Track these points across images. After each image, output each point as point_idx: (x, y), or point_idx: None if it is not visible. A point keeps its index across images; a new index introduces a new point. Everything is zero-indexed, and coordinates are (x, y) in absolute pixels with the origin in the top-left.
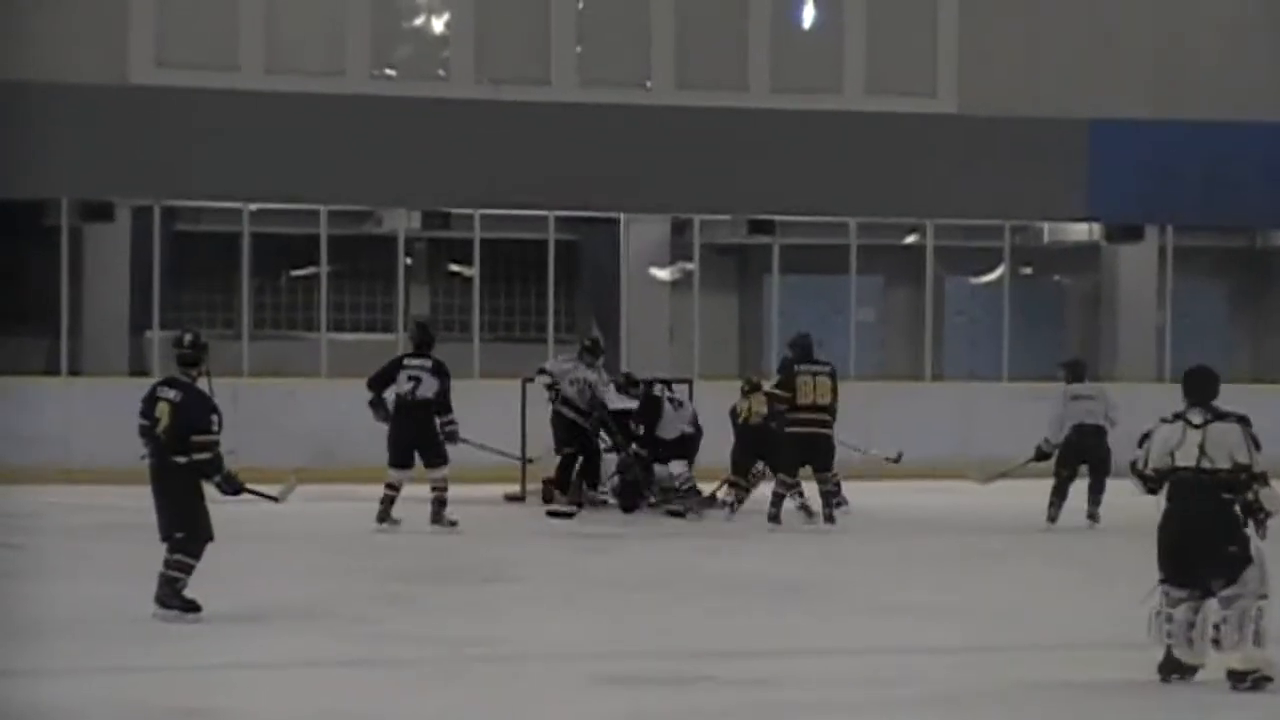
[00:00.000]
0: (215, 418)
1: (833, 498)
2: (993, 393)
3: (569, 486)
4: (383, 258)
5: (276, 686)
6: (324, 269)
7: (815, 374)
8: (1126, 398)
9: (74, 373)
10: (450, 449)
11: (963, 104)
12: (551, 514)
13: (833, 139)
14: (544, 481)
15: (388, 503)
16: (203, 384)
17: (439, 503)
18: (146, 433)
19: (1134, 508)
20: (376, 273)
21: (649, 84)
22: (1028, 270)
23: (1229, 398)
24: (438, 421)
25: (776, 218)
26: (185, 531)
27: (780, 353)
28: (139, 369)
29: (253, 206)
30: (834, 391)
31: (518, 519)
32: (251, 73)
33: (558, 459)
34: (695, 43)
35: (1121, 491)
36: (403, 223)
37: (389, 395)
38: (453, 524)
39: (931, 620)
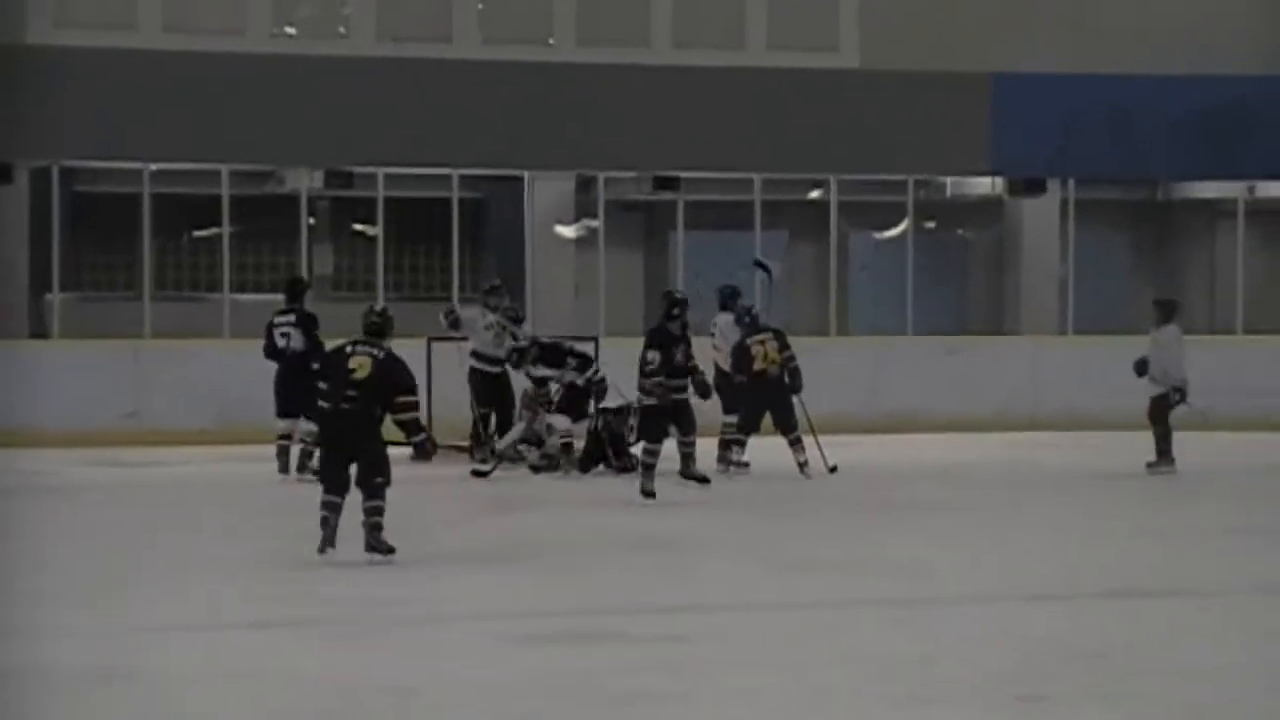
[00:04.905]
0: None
1: (800, 451)
2: (898, 347)
3: (483, 444)
4: (286, 217)
5: (189, 647)
6: (226, 229)
7: (764, 341)
8: (1030, 350)
9: None
10: None
11: (865, 58)
12: (474, 473)
13: (736, 95)
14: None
15: (283, 453)
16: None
17: (306, 454)
18: (336, 387)
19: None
20: (279, 232)
21: (552, 40)
22: (931, 225)
23: (1135, 349)
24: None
25: (681, 174)
26: (383, 476)
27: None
28: (39, 331)
29: (153, 167)
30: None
31: (427, 478)
32: (150, 32)
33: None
34: None
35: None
36: (305, 182)
37: None
38: (315, 473)
39: (849, 576)
